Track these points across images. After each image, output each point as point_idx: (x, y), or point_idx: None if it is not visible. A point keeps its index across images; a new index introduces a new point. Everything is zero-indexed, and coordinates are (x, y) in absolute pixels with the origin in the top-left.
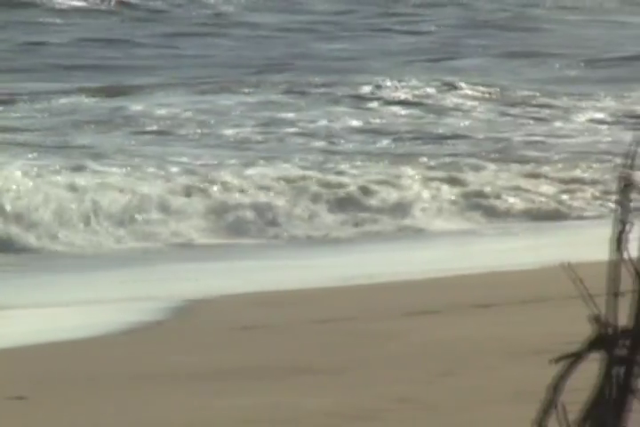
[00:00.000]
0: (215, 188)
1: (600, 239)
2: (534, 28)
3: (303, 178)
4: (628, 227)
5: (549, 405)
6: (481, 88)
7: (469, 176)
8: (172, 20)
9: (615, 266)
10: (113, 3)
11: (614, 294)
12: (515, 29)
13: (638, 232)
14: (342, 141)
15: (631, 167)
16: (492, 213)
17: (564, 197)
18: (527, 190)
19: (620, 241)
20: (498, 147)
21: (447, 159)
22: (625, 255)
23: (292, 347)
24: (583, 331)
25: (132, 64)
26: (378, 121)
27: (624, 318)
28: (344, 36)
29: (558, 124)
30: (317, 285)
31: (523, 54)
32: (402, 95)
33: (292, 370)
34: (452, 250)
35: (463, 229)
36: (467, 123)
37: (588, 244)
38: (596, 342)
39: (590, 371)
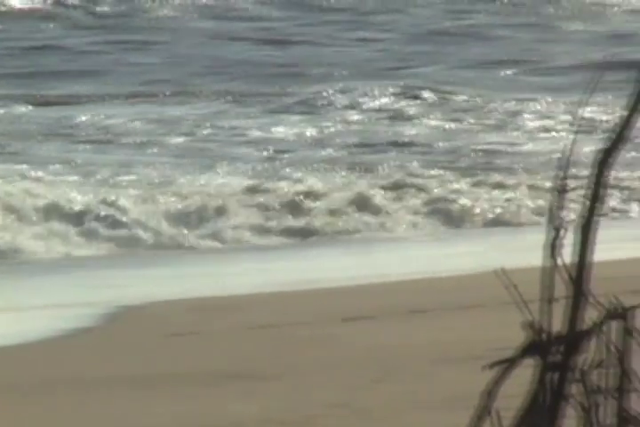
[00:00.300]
0: (154, 196)
1: (534, 245)
2: (481, 37)
3: (247, 186)
4: (561, 233)
5: (483, 411)
6: (433, 96)
7: (412, 183)
8: (111, 26)
9: (549, 272)
10: (50, 7)
11: (548, 300)
12: (462, 37)
13: (572, 238)
14: (291, 150)
15: (565, 175)
16: (431, 219)
17: (500, 203)
18: (466, 197)
19: (553, 247)
20: (444, 154)
21: (395, 167)
22: (559, 262)
23: (225, 353)
24: (517, 337)
25: (70, 70)
26: (329, 130)
27: (558, 324)
28: (289, 42)
29: (505, 131)
30: (250, 291)
31: (473, 62)
32: (352, 103)
33: (224, 376)
34: (388, 256)
35: (400, 236)
36: (417, 130)
37: (522, 250)
38: (530, 348)
39: (524, 377)
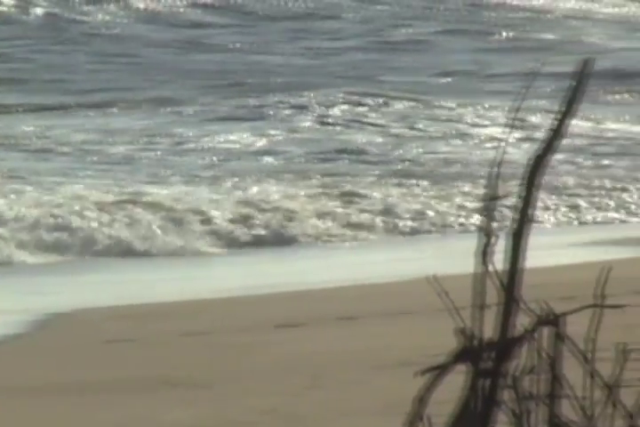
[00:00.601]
0: (87, 204)
1: (466, 252)
2: (423, 45)
3: (186, 193)
4: (492, 240)
5: (415, 417)
6: (376, 102)
7: (352, 191)
8: (52, 32)
9: (480, 279)
10: None
11: (479, 306)
12: (404, 45)
13: (503, 245)
14: (235, 159)
15: (496, 181)
16: (365, 227)
17: (432, 210)
18: (402, 204)
19: (485, 254)
20: (387, 162)
21: (335, 174)
22: (490, 268)
23: (157, 360)
24: (449, 343)
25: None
26: (273, 138)
27: (489, 331)
28: (225, 50)
29: (451, 138)
30: (183, 298)
31: (413, 69)
32: (301, 112)
33: (156, 383)
34: (320, 263)
35: (331, 243)
36: (361, 138)
37: (453, 257)
38: (462, 355)
39: (456, 383)
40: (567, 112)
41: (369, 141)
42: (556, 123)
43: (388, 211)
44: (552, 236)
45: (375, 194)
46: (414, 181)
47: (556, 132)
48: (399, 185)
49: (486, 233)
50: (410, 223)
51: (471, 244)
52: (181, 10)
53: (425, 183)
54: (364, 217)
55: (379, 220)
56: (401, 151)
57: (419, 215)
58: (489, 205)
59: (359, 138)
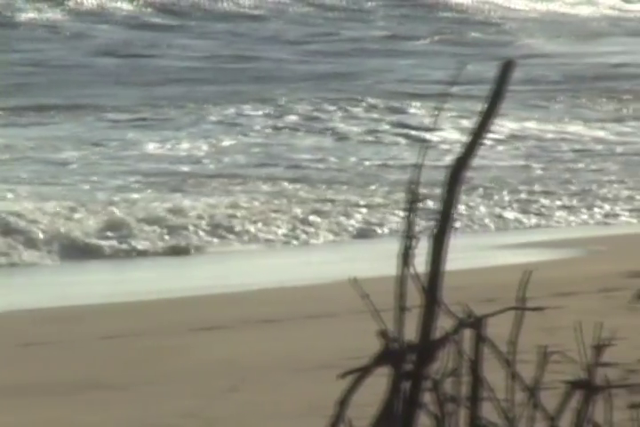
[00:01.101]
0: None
1: (388, 255)
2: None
3: (132, 200)
4: (414, 243)
5: (337, 420)
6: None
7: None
8: None
9: (402, 281)
10: None
11: (401, 308)
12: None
13: (424, 248)
14: (166, 166)
15: (417, 185)
16: (282, 230)
17: (359, 214)
18: (295, 210)
19: (406, 257)
20: (321, 169)
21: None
22: (412, 271)
23: (77, 363)
24: (371, 346)
25: None
26: (224, 144)
27: (411, 333)
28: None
29: (384, 145)
30: (101, 301)
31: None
32: (223, 120)
33: (76, 386)
34: (241, 266)
35: (252, 247)
36: (292, 146)
37: (375, 259)
38: (383, 357)
39: (378, 386)
40: (488, 115)
41: (300, 148)
42: (476, 126)
43: (307, 215)
44: (473, 238)
45: (294, 198)
46: (336, 186)
47: (477, 135)
48: (320, 189)
49: (408, 236)
50: (333, 227)
51: (393, 247)
52: (124, 12)
53: (345, 187)
54: (286, 220)
55: (298, 223)
56: (317, 155)
57: (342, 219)
58: (410, 208)
59: (292, 146)
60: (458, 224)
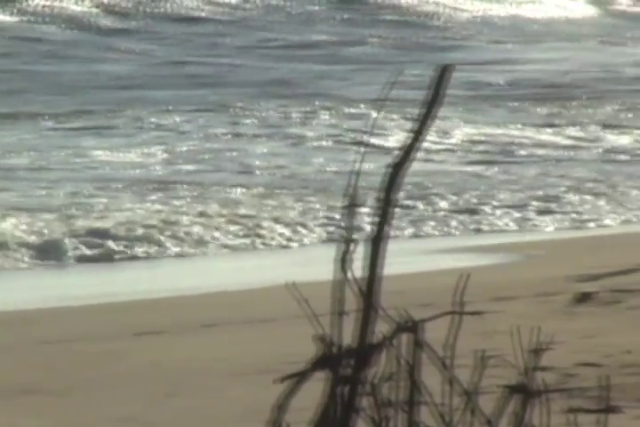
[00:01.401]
0: None
1: (325, 260)
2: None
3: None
4: (351, 247)
5: (274, 424)
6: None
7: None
8: None
9: (339, 286)
10: None
11: (339, 313)
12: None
13: (362, 252)
14: (125, 171)
15: (354, 189)
16: (221, 235)
17: (291, 219)
18: (257, 214)
19: (344, 261)
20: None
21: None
22: (349, 275)
23: (15, 367)
24: (308, 350)
25: None
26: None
27: (349, 338)
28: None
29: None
30: (40, 306)
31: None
32: (168, 126)
33: (13, 391)
34: (179, 270)
35: (190, 251)
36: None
37: (313, 264)
38: (321, 362)
39: (315, 390)
40: (425, 120)
41: (255, 155)
42: (413, 131)
43: (248, 220)
44: (411, 243)
45: (239, 204)
46: (276, 191)
47: (414, 140)
48: (260, 195)
49: (345, 240)
50: (269, 233)
51: (331, 252)
52: (89, 16)
53: (285, 192)
54: (227, 226)
55: (238, 228)
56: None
57: (278, 224)
58: (348, 213)
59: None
60: (395, 229)
